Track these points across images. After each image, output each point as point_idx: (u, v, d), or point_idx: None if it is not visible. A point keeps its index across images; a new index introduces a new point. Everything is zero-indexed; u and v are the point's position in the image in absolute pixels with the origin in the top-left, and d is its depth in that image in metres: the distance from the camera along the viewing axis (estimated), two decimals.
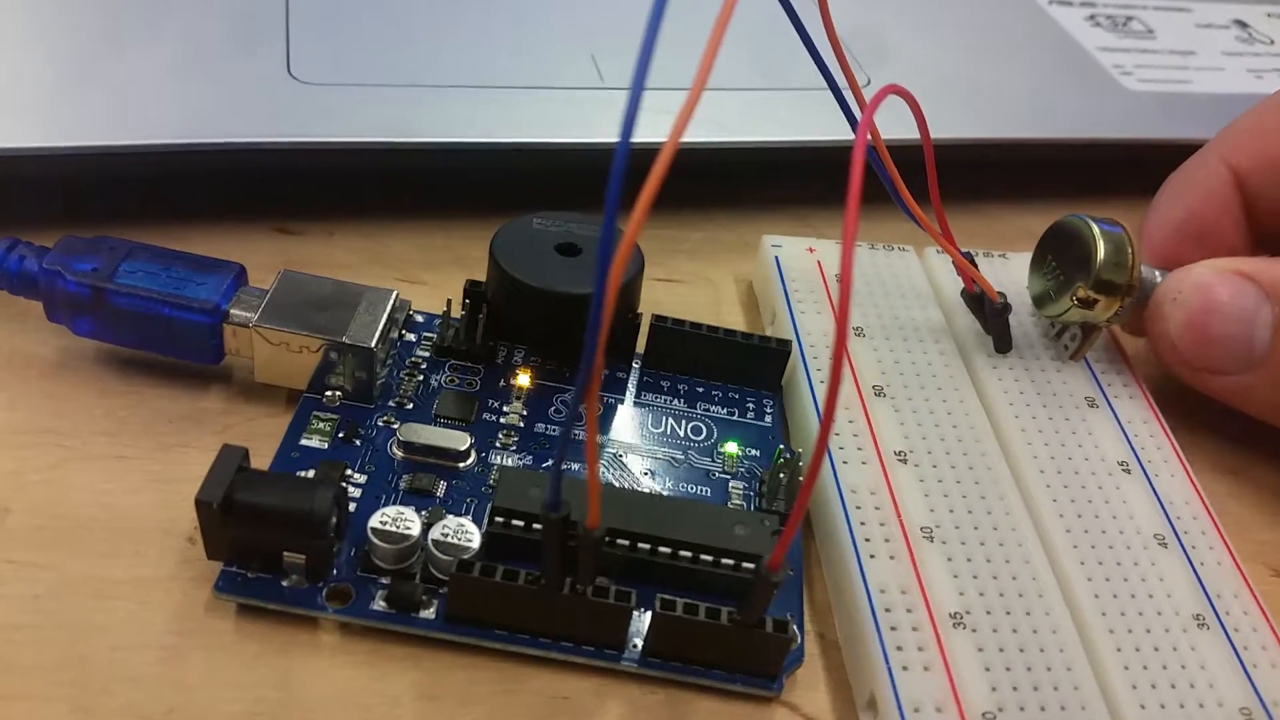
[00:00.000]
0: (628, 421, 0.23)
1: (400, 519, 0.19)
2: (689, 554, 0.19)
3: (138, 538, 0.19)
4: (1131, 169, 0.29)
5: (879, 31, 0.34)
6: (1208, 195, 0.26)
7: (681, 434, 0.23)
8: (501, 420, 0.22)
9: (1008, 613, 0.19)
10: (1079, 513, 0.21)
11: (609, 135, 0.14)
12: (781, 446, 0.22)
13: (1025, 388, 0.24)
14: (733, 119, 0.28)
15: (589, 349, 0.15)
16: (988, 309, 0.24)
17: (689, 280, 0.28)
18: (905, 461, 0.22)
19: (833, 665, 0.20)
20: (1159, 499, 0.22)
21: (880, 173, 0.22)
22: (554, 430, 0.22)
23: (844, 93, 0.22)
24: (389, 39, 0.30)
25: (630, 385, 0.23)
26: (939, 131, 0.29)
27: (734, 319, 0.27)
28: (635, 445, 0.22)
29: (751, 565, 0.19)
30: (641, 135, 0.14)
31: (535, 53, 0.30)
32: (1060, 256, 0.24)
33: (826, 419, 0.15)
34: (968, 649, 0.19)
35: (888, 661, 0.18)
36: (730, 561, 0.19)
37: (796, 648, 0.19)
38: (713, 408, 0.23)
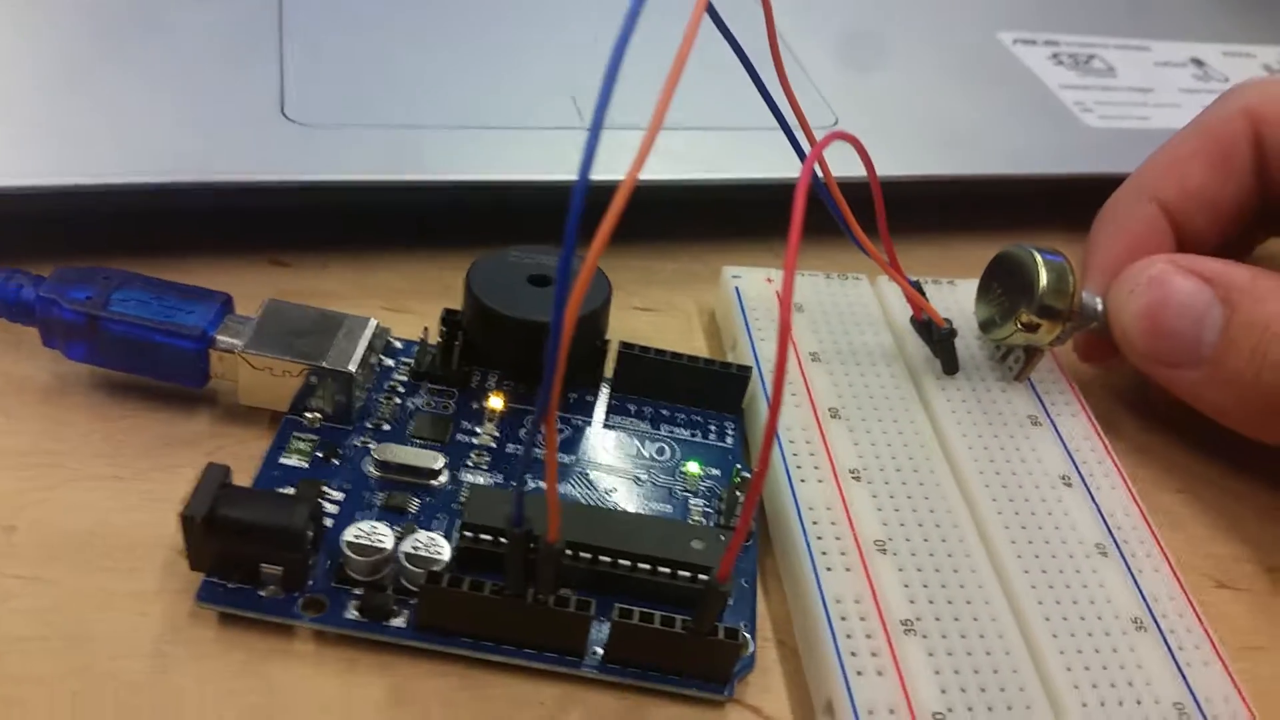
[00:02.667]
0: (596, 442, 0.24)
1: (374, 533, 0.19)
2: (647, 566, 0.20)
3: (134, 553, 0.20)
4: (1088, 200, 0.30)
5: (844, 68, 0.35)
6: (1142, 230, 0.27)
7: (647, 454, 0.23)
8: (474, 441, 0.23)
9: (956, 619, 0.20)
10: (1023, 524, 0.22)
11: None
12: (739, 466, 0.23)
13: (972, 407, 0.25)
14: (709, 156, 0.30)
15: (547, 378, 0.16)
16: (935, 334, 0.25)
17: (662, 309, 0.29)
18: (859, 479, 0.23)
19: (792, 671, 0.21)
20: (1099, 510, 0.23)
21: (831, 208, 0.23)
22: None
23: (796, 133, 0.23)
24: (378, 80, 0.31)
25: (599, 408, 0.24)
26: (902, 168, 0.30)
27: (700, 345, 0.28)
28: (603, 464, 0.23)
29: (706, 577, 0.20)
30: (609, 172, 0.15)
31: (518, 94, 0.31)
32: (1005, 284, 0.25)
33: (766, 442, 0.17)
34: (919, 654, 0.19)
35: (843, 667, 0.19)
36: (686, 574, 0.20)
37: (748, 654, 0.20)
38: (676, 429, 0.24)
